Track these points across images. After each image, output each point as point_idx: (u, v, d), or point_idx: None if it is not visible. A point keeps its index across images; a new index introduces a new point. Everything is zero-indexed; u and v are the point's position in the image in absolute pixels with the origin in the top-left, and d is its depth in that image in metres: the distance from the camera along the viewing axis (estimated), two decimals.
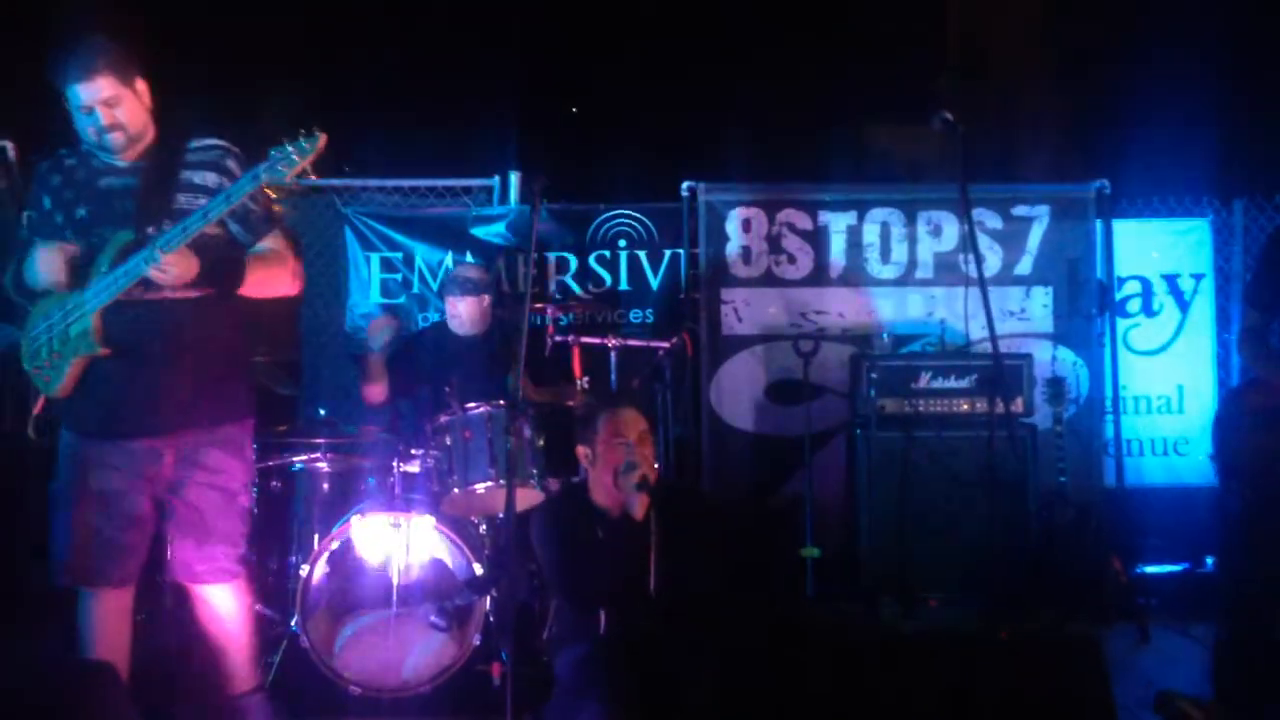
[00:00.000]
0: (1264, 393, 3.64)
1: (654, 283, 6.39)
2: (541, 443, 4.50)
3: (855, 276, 6.34)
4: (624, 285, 6.40)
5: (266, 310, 3.64)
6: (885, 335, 6.06)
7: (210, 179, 3.44)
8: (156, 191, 3.37)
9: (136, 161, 3.43)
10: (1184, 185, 6.48)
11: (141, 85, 3.41)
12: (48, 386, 3.42)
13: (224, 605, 3.59)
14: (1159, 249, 6.45)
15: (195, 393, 3.43)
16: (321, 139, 3.21)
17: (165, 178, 3.40)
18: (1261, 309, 3.73)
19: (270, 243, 3.54)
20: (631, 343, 5.35)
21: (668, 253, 6.39)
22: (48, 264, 3.36)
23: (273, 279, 3.54)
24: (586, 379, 5.06)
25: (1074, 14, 7.48)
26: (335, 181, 6.35)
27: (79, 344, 3.32)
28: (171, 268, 3.22)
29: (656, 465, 3.59)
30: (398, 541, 4.32)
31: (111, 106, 3.30)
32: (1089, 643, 3.06)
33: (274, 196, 3.52)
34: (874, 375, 5.57)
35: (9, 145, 5.78)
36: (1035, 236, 6.35)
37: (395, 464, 4.51)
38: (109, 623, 3.46)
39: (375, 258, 6.28)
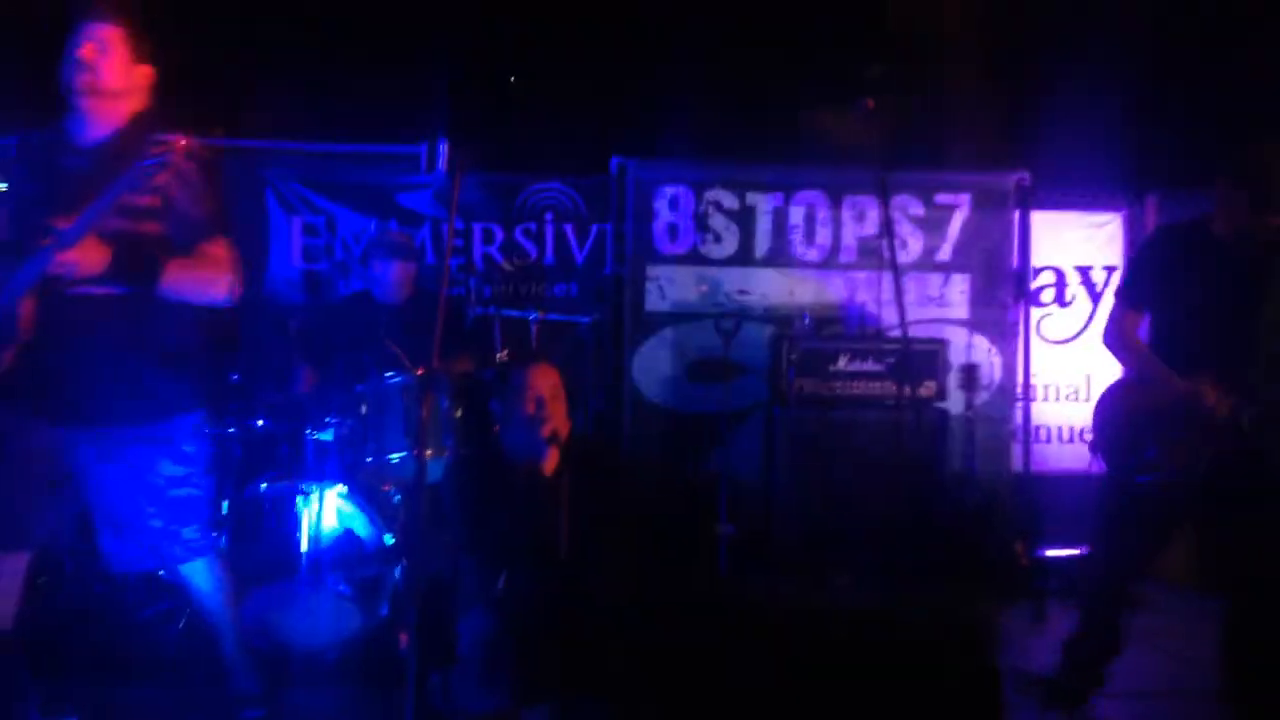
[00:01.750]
0: (1138, 391, 3.74)
1: (580, 257, 6.39)
2: (459, 414, 4.49)
3: (780, 258, 6.40)
4: (550, 259, 6.39)
5: None
6: (807, 317, 6.13)
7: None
8: (97, 182, 3.30)
9: (96, 146, 3.37)
10: (1100, 179, 6.61)
11: (143, 68, 3.42)
12: None
13: (193, 584, 3.65)
14: (1074, 241, 6.60)
15: (120, 389, 3.38)
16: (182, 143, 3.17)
17: (113, 169, 3.32)
18: (1133, 306, 3.81)
19: (211, 248, 3.46)
20: (553, 316, 5.34)
21: (595, 227, 6.40)
22: None
23: (200, 284, 3.44)
24: (507, 351, 5.05)
25: (1004, 8, 7.58)
26: (257, 143, 6.25)
27: (4, 330, 3.26)
28: (74, 262, 3.14)
29: (569, 422, 3.59)
30: (308, 510, 4.29)
31: (99, 52, 3.30)
32: (983, 621, 3.14)
33: (217, 203, 3.46)
34: (793, 356, 5.64)
35: None
36: (956, 224, 6.45)
37: (308, 432, 4.47)
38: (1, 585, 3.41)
39: (297, 221, 6.20)
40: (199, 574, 3.67)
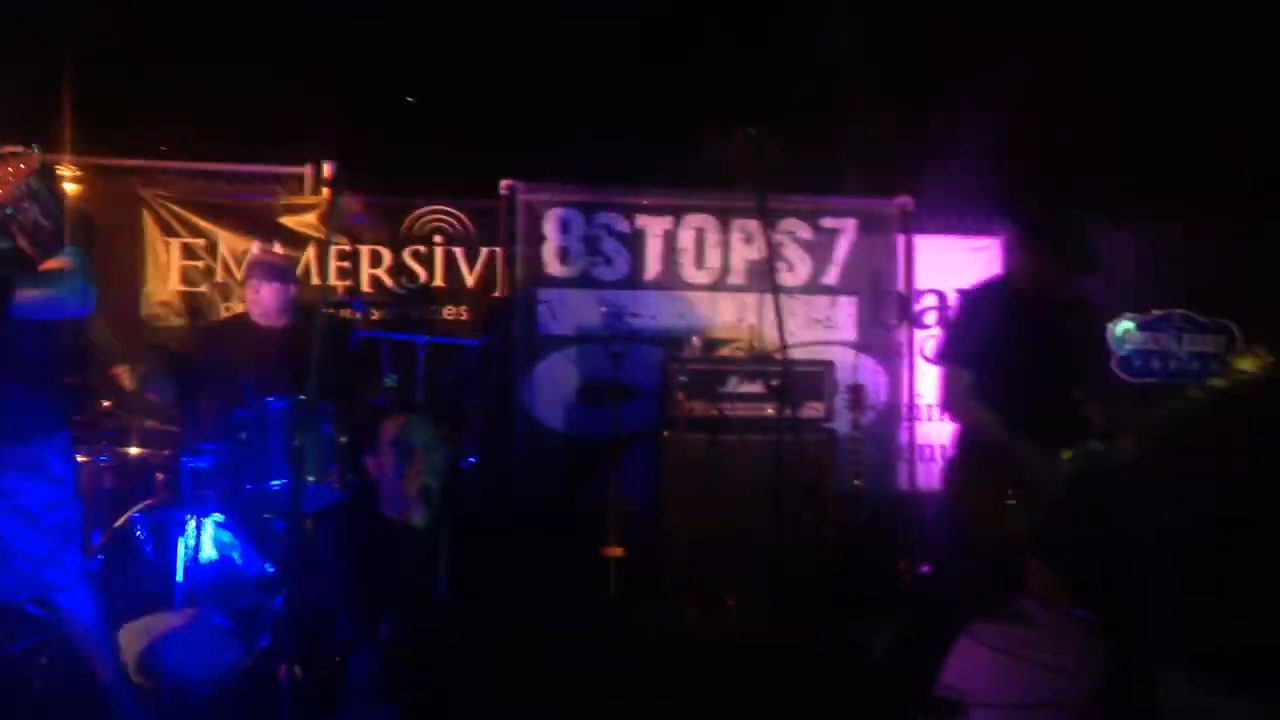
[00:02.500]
0: (981, 453, 3.77)
1: (470, 280, 6.35)
2: (344, 440, 4.40)
3: (670, 280, 6.45)
4: (439, 281, 6.33)
5: None
6: (697, 339, 6.18)
7: None
8: None
9: None
10: (981, 206, 6.81)
11: None
12: None
13: (71, 614, 3.58)
14: (955, 264, 6.78)
15: None
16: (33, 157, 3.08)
17: None
18: (963, 365, 3.81)
19: (62, 262, 3.35)
20: (441, 340, 5.29)
21: (485, 250, 6.36)
22: None
23: (52, 300, 3.32)
24: (394, 376, 4.98)
25: (890, 40, 7.78)
26: (134, 162, 6.08)
27: None
28: None
29: (451, 469, 3.54)
30: (184, 539, 4.17)
31: None
32: (859, 643, 3.20)
33: (64, 216, 3.35)
34: (682, 378, 5.68)
35: None
36: (842, 248, 6.59)
37: (184, 459, 4.35)
38: None
39: (175, 244, 6.04)
40: (78, 602, 3.58)
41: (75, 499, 3.61)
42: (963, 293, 4.21)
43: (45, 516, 3.46)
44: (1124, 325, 6.02)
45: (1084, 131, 6.82)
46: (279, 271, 4.88)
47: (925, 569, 5.49)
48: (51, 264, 3.33)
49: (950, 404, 3.97)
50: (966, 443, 3.87)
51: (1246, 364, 3.62)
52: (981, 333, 3.79)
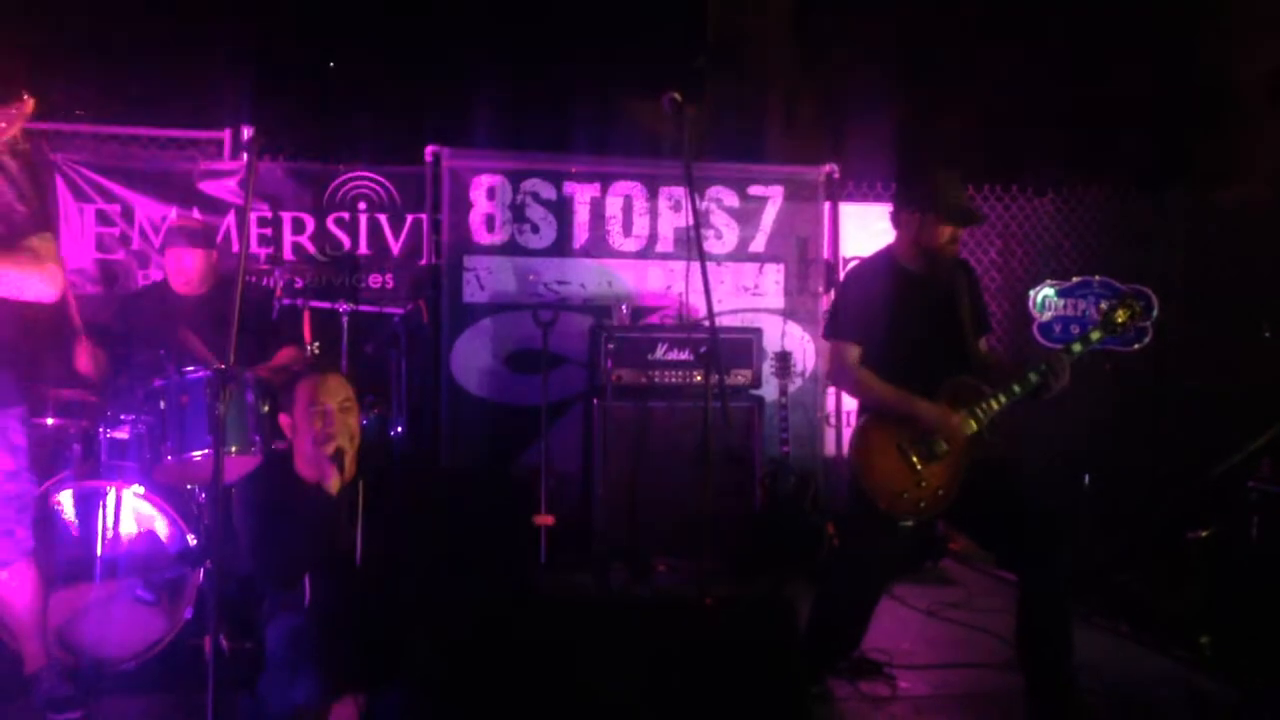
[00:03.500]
0: (883, 423, 3.82)
1: (395, 247, 6.27)
2: (266, 409, 4.34)
3: (598, 248, 6.43)
4: (364, 249, 6.24)
5: None
6: (625, 307, 6.18)
7: None
8: None
9: None
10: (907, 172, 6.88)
11: None
12: None
13: (6, 588, 3.59)
14: (881, 232, 6.82)
15: None
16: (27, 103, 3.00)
17: None
18: (848, 340, 3.85)
19: (33, 243, 3.28)
20: (364, 308, 5.22)
21: (410, 217, 6.28)
22: None
23: (16, 281, 3.26)
24: (317, 344, 4.91)
25: (815, 7, 7.82)
26: (44, 125, 5.88)
27: None
28: None
29: (354, 437, 3.45)
30: (103, 511, 4.08)
31: None
32: (786, 606, 3.24)
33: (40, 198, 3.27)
34: (611, 346, 5.68)
35: None
36: (769, 216, 6.61)
37: (102, 430, 4.25)
38: None
39: (90, 209, 5.88)
40: (19, 574, 3.59)
41: (30, 470, 3.59)
42: (848, 271, 4.28)
43: (4, 485, 3.45)
44: (1044, 292, 6.14)
45: (1006, 99, 6.93)
46: (197, 236, 4.77)
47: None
48: (22, 245, 3.26)
49: (835, 376, 4.07)
50: (863, 413, 3.95)
51: (1120, 315, 3.84)
52: (867, 306, 3.85)
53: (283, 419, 3.46)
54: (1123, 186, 6.97)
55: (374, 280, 6.22)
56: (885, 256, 3.97)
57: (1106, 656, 4.47)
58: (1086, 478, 5.89)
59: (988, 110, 7.18)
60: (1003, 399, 3.75)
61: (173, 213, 5.86)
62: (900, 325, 3.81)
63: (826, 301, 6.59)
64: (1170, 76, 6.97)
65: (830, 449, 6.54)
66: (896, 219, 3.93)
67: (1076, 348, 3.80)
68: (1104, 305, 4.17)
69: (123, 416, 4.27)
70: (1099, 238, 7.01)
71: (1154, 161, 7.05)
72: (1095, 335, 3.85)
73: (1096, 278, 6.10)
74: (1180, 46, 6.69)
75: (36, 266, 3.27)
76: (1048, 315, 6.14)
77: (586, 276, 6.40)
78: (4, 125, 3.02)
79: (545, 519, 5.55)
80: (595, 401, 5.68)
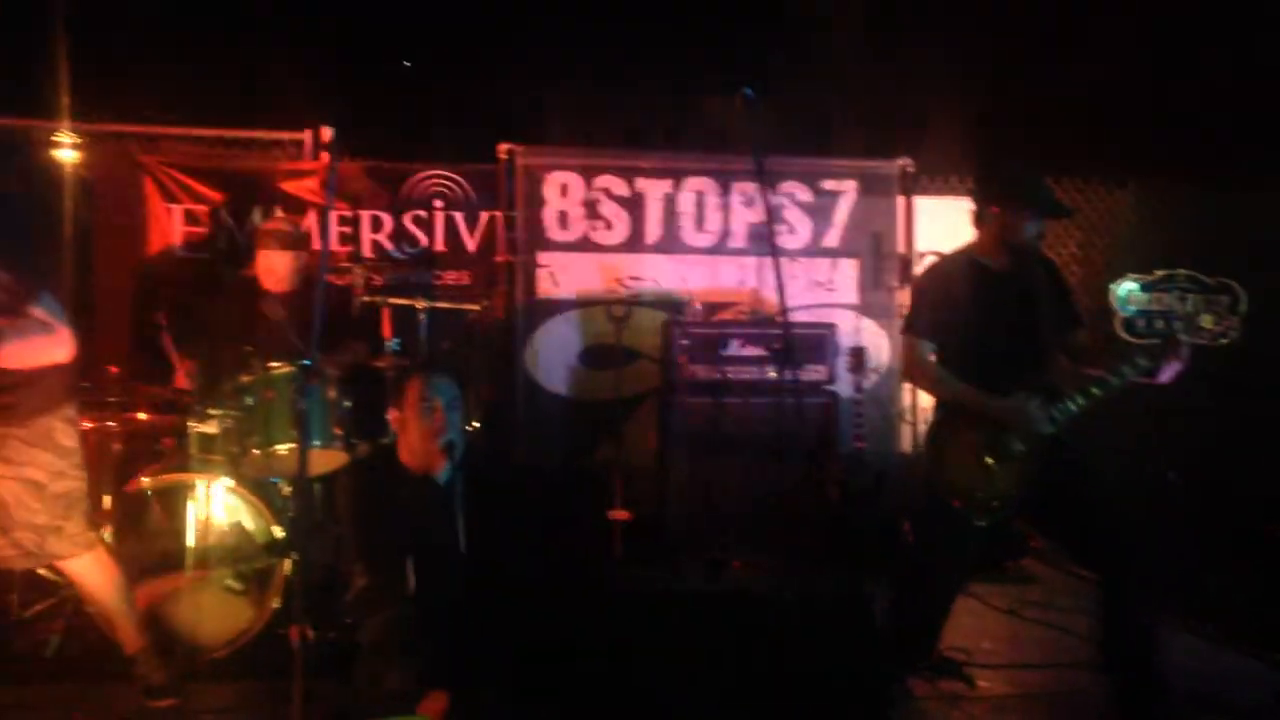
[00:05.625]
0: (961, 421, 3.78)
1: (470, 244, 6.34)
2: (348, 404, 4.43)
3: (670, 244, 6.45)
4: (440, 246, 6.32)
5: None
6: (698, 303, 6.18)
7: None
8: None
9: None
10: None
11: None
12: None
13: (81, 580, 3.73)
14: (956, 226, 6.74)
15: None
16: None
17: None
18: (923, 337, 3.82)
19: (39, 314, 3.45)
20: (440, 305, 5.28)
21: (484, 214, 6.35)
22: None
23: (33, 351, 3.45)
24: (397, 341, 4.99)
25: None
26: (133, 128, 6.05)
27: None
28: None
29: (466, 429, 3.59)
30: (194, 503, 4.19)
31: None
32: (864, 603, 3.23)
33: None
34: (685, 342, 5.70)
35: None
36: (843, 210, 6.58)
37: (191, 424, 4.36)
38: None
39: (177, 210, 6.03)
40: (88, 569, 3.70)
41: (80, 468, 3.69)
42: (927, 268, 4.24)
43: (51, 485, 3.55)
44: (1127, 287, 6.02)
45: (1086, 91, 6.79)
46: (285, 239, 4.87)
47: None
48: (28, 315, 3.41)
49: (911, 373, 4.02)
50: (938, 409, 3.91)
51: (1208, 321, 3.70)
52: (945, 303, 3.81)
53: (391, 414, 3.58)
54: (1207, 179, 6.79)
55: (450, 277, 6.30)
56: (964, 253, 3.93)
57: (1193, 658, 4.38)
58: (1171, 474, 5.76)
59: (1065, 101, 7.05)
60: (1080, 400, 3.68)
61: (256, 211, 6.00)
62: (979, 323, 3.77)
63: (901, 296, 6.53)
64: (1250, 70, 6.78)
65: (906, 445, 6.48)
66: (979, 216, 3.88)
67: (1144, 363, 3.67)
68: (1189, 307, 4.05)
69: (211, 412, 4.38)
70: (1181, 230, 6.84)
71: (1239, 154, 6.87)
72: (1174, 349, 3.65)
73: (1182, 271, 5.96)
74: (1269, 40, 6.51)
75: (45, 335, 3.45)
76: (1131, 309, 6.01)
77: (659, 272, 6.42)
78: None
79: (620, 514, 5.59)
80: (669, 397, 5.70)
